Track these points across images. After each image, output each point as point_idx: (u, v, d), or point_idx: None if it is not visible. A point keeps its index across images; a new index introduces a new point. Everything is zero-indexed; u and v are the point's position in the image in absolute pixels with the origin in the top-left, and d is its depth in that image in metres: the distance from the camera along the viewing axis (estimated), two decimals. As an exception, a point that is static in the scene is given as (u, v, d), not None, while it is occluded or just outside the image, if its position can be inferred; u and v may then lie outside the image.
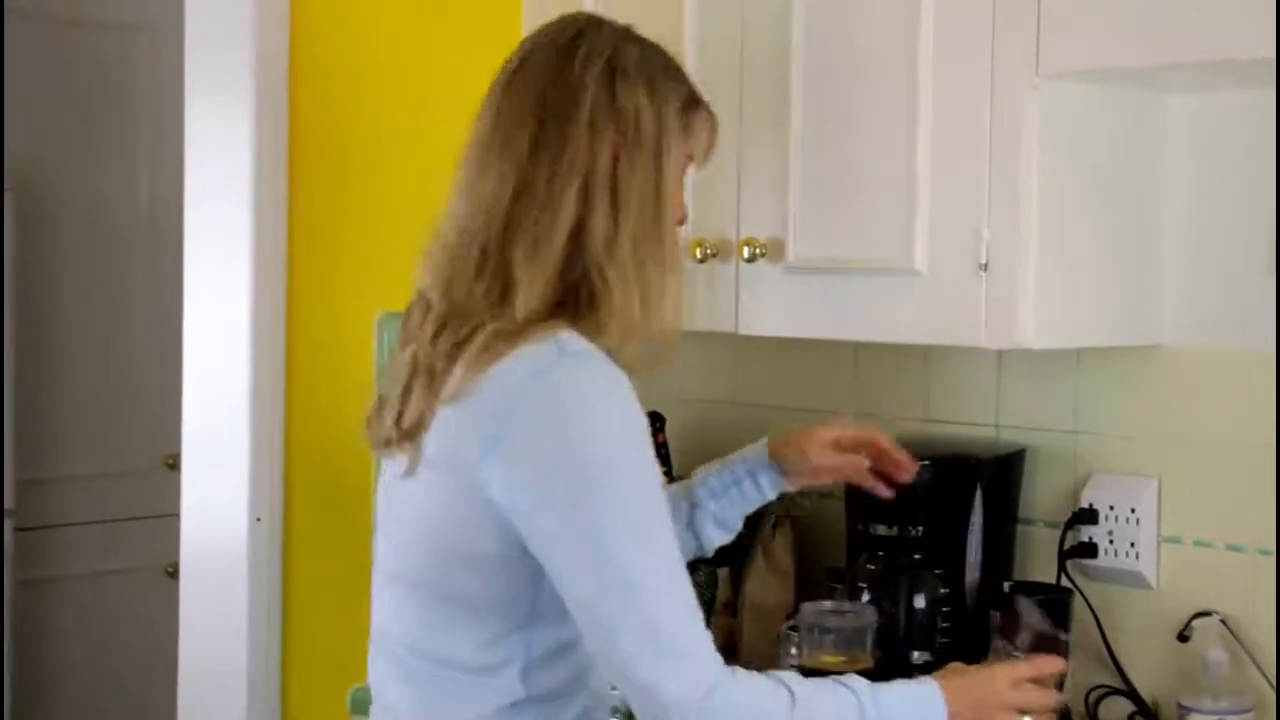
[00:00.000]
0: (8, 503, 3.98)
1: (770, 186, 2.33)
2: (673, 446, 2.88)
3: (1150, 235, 2.27)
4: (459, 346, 1.64)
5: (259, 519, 2.59)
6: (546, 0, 2.73)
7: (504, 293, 1.65)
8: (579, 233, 1.66)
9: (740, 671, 1.64)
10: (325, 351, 2.67)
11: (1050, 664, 1.81)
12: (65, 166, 4.22)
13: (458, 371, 1.63)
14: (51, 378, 4.19)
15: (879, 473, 2.06)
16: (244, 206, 2.57)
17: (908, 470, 2.04)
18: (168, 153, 3.90)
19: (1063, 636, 1.96)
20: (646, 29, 2.50)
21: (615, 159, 1.67)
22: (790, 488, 2.07)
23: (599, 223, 1.66)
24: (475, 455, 1.61)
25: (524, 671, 1.68)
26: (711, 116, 1.79)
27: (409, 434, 1.68)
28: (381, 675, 1.79)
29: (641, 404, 2.92)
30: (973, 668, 1.81)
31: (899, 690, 1.70)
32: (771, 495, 2.06)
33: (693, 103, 1.76)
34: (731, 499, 2.03)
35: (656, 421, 2.84)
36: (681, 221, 1.79)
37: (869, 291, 2.23)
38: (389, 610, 1.78)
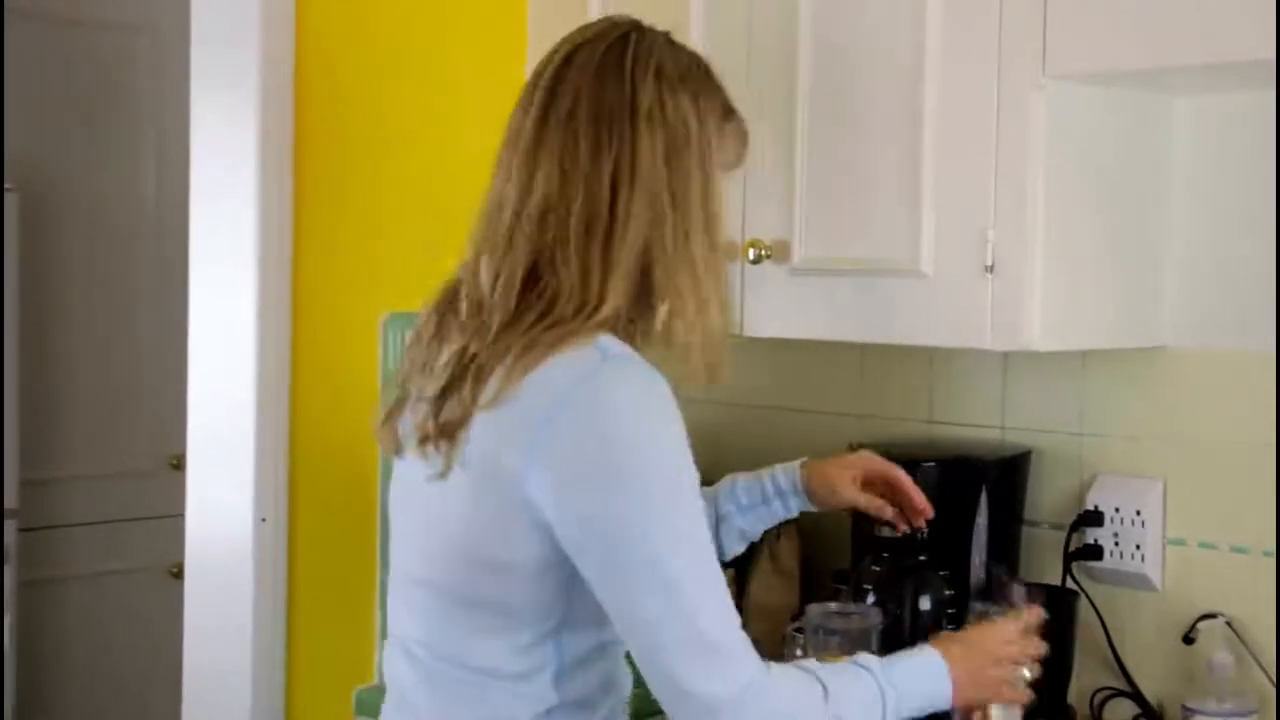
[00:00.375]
0: (11, 503, 3.98)
1: (775, 188, 2.33)
2: (677, 448, 2.88)
3: (1155, 236, 2.27)
4: (510, 349, 1.62)
5: (264, 519, 2.59)
6: (552, 2, 2.74)
7: (583, 292, 1.65)
8: (650, 240, 1.67)
9: (774, 667, 1.65)
10: (330, 352, 2.67)
11: (1033, 614, 1.88)
12: (67, 167, 4.22)
13: (496, 377, 1.62)
14: (55, 378, 4.19)
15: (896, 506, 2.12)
16: (249, 206, 2.57)
17: (926, 515, 2.10)
18: (170, 152, 3.91)
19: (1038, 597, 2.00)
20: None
21: (670, 168, 1.68)
22: (812, 509, 2.12)
23: (667, 231, 1.67)
24: (516, 461, 1.60)
25: (557, 677, 1.69)
26: (743, 125, 1.82)
27: (446, 432, 1.65)
28: (401, 675, 1.79)
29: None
30: (962, 632, 1.87)
31: (907, 664, 1.74)
32: (795, 514, 2.11)
33: (728, 110, 1.79)
34: (759, 515, 2.06)
35: (661, 423, 2.84)
36: None
37: (874, 293, 2.23)
38: (412, 614, 1.77)
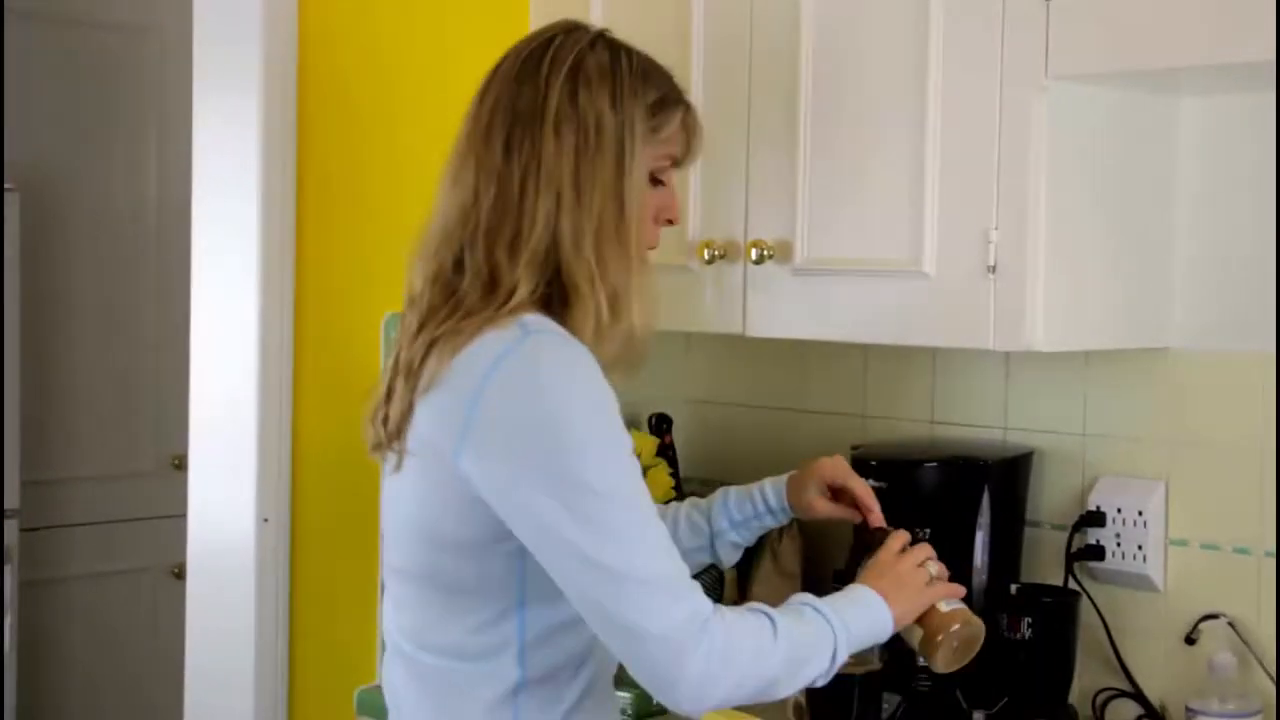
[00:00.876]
0: (13, 503, 3.97)
1: (778, 188, 2.33)
2: (680, 447, 2.88)
3: (1159, 237, 2.27)
4: (435, 341, 1.69)
5: (266, 520, 2.59)
6: (554, 2, 2.74)
7: (489, 289, 1.71)
8: (555, 233, 1.72)
9: (723, 607, 1.68)
10: (333, 352, 2.67)
11: (899, 537, 1.90)
12: (69, 167, 4.22)
13: (431, 362, 1.69)
14: (56, 378, 4.19)
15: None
16: (252, 206, 2.57)
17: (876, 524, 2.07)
18: (173, 153, 3.91)
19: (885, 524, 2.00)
20: (654, 34, 2.51)
21: (578, 162, 1.72)
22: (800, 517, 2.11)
23: (567, 223, 1.72)
24: (448, 440, 1.66)
25: (520, 654, 1.73)
26: (689, 115, 1.83)
27: (394, 433, 1.74)
28: (396, 683, 1.82)
29: (649, 406, 2.94)
30: (868, 569, 1.87)
31: (853, 607, 1.78)
32: (784, 523, 2.11)
33: (663, 104, 1.80)
34: (751, 528, 2.07)
35: (664, 423, 2.85)
36: (672, 222, 1.84)
37: (877, 293, 2.23)
38: (394, 605, 1.82)
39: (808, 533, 2.63)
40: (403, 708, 1.82)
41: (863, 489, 2.01)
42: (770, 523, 2.07)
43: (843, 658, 1.74)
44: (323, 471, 2.64)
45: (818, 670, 1.72)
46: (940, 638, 1.83)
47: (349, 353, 2.69)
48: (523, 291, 1.69)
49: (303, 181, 2.62)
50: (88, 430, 4.26)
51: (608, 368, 1.73)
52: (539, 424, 1.62)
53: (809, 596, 1.77)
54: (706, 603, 1.66)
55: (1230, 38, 1.90)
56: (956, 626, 1.83)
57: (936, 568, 1.87)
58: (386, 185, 2.72)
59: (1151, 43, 1.97)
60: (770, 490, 2.05)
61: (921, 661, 2.13)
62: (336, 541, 2.70)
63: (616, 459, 1.65)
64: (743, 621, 1.68)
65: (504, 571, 1.70)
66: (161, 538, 4.09)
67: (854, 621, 1.75)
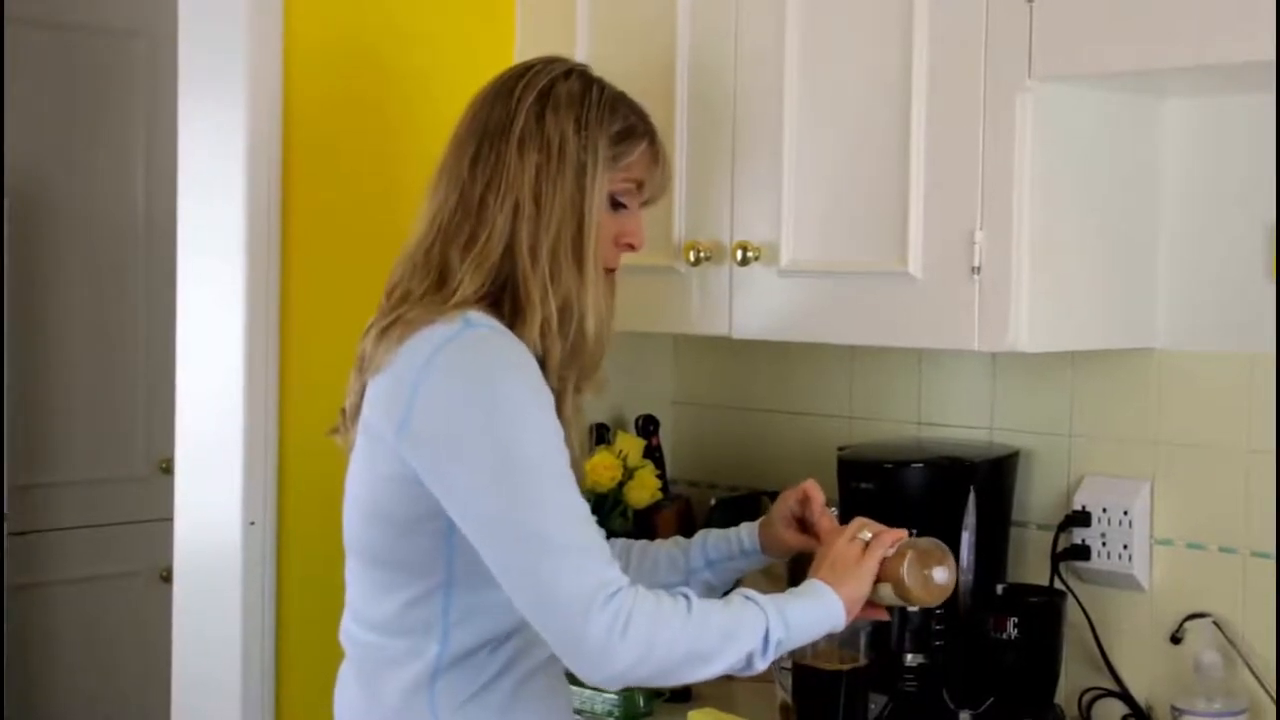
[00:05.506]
0: (2, 507, 3.97)
1: (764, 190, 2.34)
2: (667, 450, 2.89)
3: (1144, 238, 2.28)
4: (385, 330, 1.80)
5: (253, 523, 2.59)
6: (540, 10, 2.74)
7: (438, 285, 1.82)
8: (511, 241, 1.82)
9: (640, 586, 1.74)
10: (319, 355, 2.67)
11: (860, 524, 1.94)
12: (60, 172, 4.21)
13: (379, 349, 1.80)
14: (46, 382, 4.19)
15: None
16: (238, 211, 2.57)
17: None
18: (163, 158, 3.90)
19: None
20: (640, 33, 2.51)
21: (539, 178, 1.82)
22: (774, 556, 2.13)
23: (524, 233, 1.82)
24: (390, 422, 1.77)
25: (443, 633, 1.81)
26: (652, 150, 1.92)
27: (350, 416, 1.89)
28: (342, 690, 1.93)
29: (636, 407, 2.95)
30: (816, 561, 1.92)
31: (787, 594, 1.83)
32: (759, 566, 2.14)
33: (628, 134, 1.89)
34: (726, 569, 2.10)
35: (651, 425, 2.85)
36: (633, 247, 1.92)
37: (862, 294, 2.23)
38: (349, 587, 1.92)
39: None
40: (342, 683, 1.92)
41: (818, 516, 2.04)
42: (744, 564, 2.10)
43: (786, 642, 1.78)
44: (309, 475, 2.64)
45: (743, 651, 1.75)
46: (901, 575, 1.88)
47: (335, 356, 2.68)
48: (469, 288, 1.80)
49: (288, 185, 2.62)
50: (76, 434, 4.26)
51: (562, 376, 1.83)
52: (472, 403, 1.71)
53: (745, 589, 1.82)
54: (620, 576, 1.71)
55: (1215, 39, 1.90)
56: (906, 556, 1.89)
57: (869, 533, 1.92)
58: (373, 189, 2.72)
59: (1135, 44, 1.97)
60: (745, 533, 2.10)
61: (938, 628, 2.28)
62: (323, 545, 2.69)
63: (542, 438, 1.73)
64: (655, 598, 1.73)
65: (432, 549, 1.79)
66: (151, 541, 4.08)
67: (792, 608, 1.80)
